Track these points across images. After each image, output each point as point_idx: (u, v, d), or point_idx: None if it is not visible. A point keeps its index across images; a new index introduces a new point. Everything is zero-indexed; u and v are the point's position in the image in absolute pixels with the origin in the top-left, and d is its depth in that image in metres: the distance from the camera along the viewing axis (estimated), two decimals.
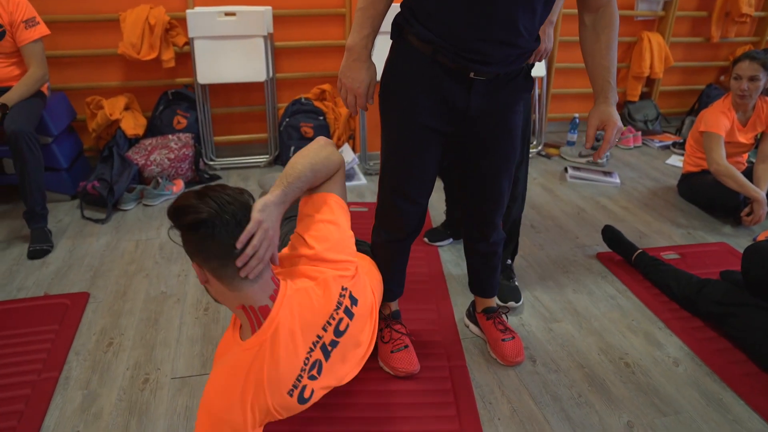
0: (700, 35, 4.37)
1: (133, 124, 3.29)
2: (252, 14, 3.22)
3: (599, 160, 3.69)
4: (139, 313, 2.12)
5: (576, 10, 1.56)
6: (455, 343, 1.97)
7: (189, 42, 3.24)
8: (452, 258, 2.53)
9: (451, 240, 2.65)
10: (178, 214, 1.17)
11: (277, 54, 3.51)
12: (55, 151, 2.89)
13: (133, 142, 3.30)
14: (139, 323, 2.06)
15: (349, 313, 1.43)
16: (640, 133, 4.15)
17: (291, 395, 1.33)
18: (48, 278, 2.33)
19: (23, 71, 2.67)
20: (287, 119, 3.51)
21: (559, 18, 3.53)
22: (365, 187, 3.30)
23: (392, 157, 1.63)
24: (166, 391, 1.75)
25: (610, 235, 2.57)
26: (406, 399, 1.72)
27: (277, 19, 3.40)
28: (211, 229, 1.16)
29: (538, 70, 3.60)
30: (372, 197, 3.14)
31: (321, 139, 1.55)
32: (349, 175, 3.39)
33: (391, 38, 1.53)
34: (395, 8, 1.52)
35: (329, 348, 1.40)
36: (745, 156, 3.11)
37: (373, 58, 1.53)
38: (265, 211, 1.26)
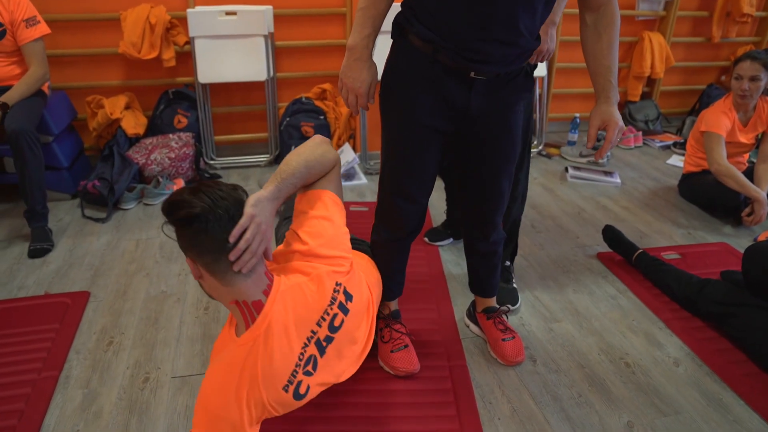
0: (701, 35, 4.36)
1: (133, 123, 3.29)
2: (252, 13, 3.22)
3: (600, 160, 3.69)
4: (139, 313, 2.12)
5: (577, 10, 1.56)
6: (455, 343, 1.97)
7: (190, 41, 3.24)
8: (452, 257, 2.53)
9: (451, 240, 2.65)
10: (171, 208, 1.19)
11: (277, 53, 3.51)
12: (56, 150, 2.89)
13: (133, 141, 3.30)
14: (139, 322, 2.06)
15: (344, 309, 1.43)
16: (640, 133, 4.15)
17: (286, 391, 1.33)
18: (48, 277, 2.33)
19: (24, 70, 2.67)
20: (288, 119, 3.51)
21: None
22: (366, 186, 3.30)
23: (392, 157, 1.63)
24: (166, 390, 1.75)
25: (610, 235, 2.57)
26: (407, 398, 1.72)
27: (277, 18, 3.40)
28: (204, 224, 1.17)
29: (539, 69, 3.60)
30: (372, 197, 3.14)
31: (317, 138, 1.55)
32: (350, 175, 3.39)
33: (392, 38, 1.53)
34: (396, 7, 1.52)
35: (324, 344, 1.40)
36: (746, 156, 3.11)
37: (374, 58, 1.53)
38: (257, 206, 1.27)
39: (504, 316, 1.99)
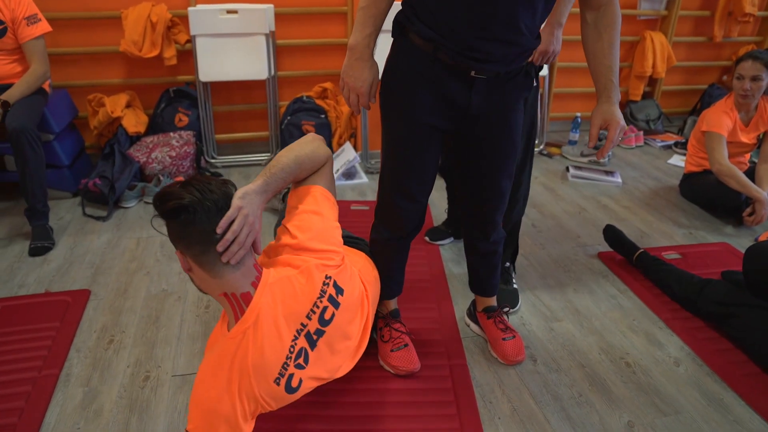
0: (702, 35, 4.36)
1: (134, 121, 3.29)
2: (254, 12, 3.21)
3: (601, 160, 3.69)
4: (140, 311, 2.12)
5: (578, 9, 1.56)
6: (456, 342, 1.97)
7: (191, 40, 3.24)
8: (453, 257, 2.53)
9: (452, 239, 2.65)
10: (161, 200, 1.22)
11: (278, 52, 3.50)
12: (57, 148, 2.89)
13: (134, 139, 3.30)
14: (140, 321, 2.06)
15: (335, 302, 1.44)
16: (642, 132, 4.15)
17: (278, 384, 1.33)
18: (49, 275, 2.33)
19: (25, 68, 2.67)
20: (289, 117, 3.50)
21: None
22: (367, 185, 3.30)
23: (392, 155, 1.63)
24: (166, 389, 1.75)
25: (611, 234, 2.57)
26: (407, 397, 1.72)
27: (278, 17, 3.39)
28: (192, 215, 1.20)
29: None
30: (373, 195, 3.14)
31: (309, 135, 1.57)
32: (351, 174, 3.39)
33: (393, 36, 1.53)
34: (397, 6, 1.52)
35: (315, 337, 1.40)
36: (747, 156, 3.10)
37: (376, 57, 1.53)
38: (245, 198, 1.29)
39: (504, 316, 1.99)
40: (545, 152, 3.88)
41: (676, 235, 2.79)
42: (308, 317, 1.38)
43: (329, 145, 3.54)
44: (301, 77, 3.63)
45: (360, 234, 2.03)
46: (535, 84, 1.98)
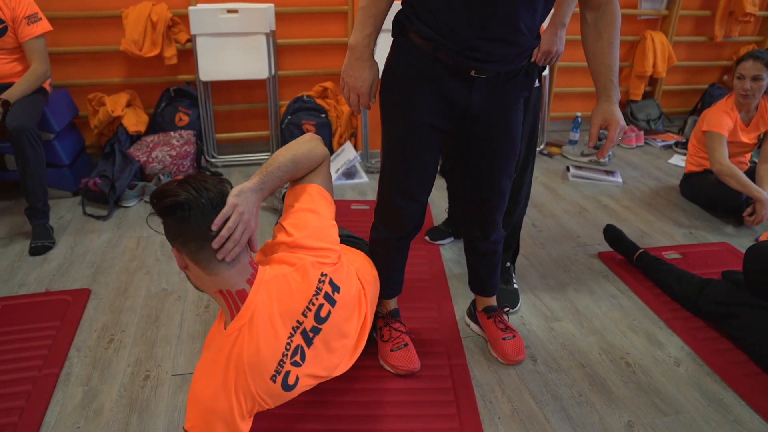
0: (703, 34, 4.36)
1: (135, 120, 3.29)
2: (254, 11, 3.21)
3: (602, 159, 3.69)
4: (140, 310, 2.12)
5: (578, 9, 1.56)
6: (456, 342, 1.97)
7: (191, 39, 3.24)
8: (453, 256, 2.53)
9: (452, 238, 2.65)
10: (157, 197, 1.23)
11: (279, 51, 3.50)
12: (57, 147, 2.89)
13: (134, 138, 3.30)
14: (140, 320, 2.07)
15: (331, 300, 1.44)
16: (642, 132, 4.14)
17: (274, 381, 1.33)
18: (49, 275, 2.33)
19: (25, 67, 2.67)
20: (289, 117, 3.50)
21: None
22: (367, 185, 3.30)
23: (392, 155, 1.63)
24: (166, 388, 1.75)
25: (611, 234, 2.56)
26: (407, 397, 1.72)
27: (279, 16, 3.39)
28: (188, 212, 1.21)
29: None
30: (374, 195, 3.14)
31: (307, 135, 1.58)
32: (351, 173, 3.39)
33: (392, 36, 1.53)
34: (397, 6, 1.52)
35: (311, 334, 1.40)
36: (748, 156, 3.10)
37: (376, 57, 1.53)
38: (240, 196, 1.30)
39: (504, 315, 1.99)
40: (546, 152, 3.88)
41: (677, 235, 2.79)
42: (304, 314, 1.38)
43: (330, 144, 3.54)
44: (302, 77, 3.63)
45: (360, 233, 2.03)
46: (537, 84, 1.98)
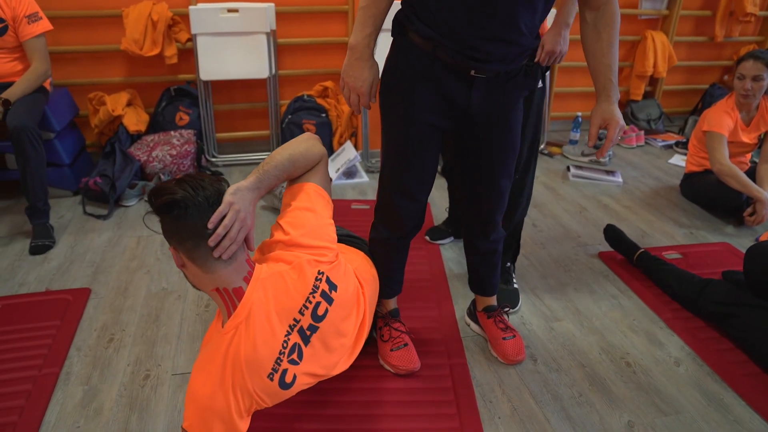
0: (704, 34, 4.35)
1: (135, 120, 3.29)
2: (254, 11, 3.21)
3: (602, 159, 3.69)
4: (140, 310, 2.12)
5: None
6: (456, 341, 1.97)
7: (192, 38, 3.24)
8: (454, 256, 2.53)
9: (452, 238, 2.64)
10: (154, 195, 1.24)
11: (279, 51, 3.50)
12: (58, 146, 2.89)
13: (135, 138, 3.30)
14: (140, 319, 2.07)
15: (328, 298, 1.44)
16: (642, 132, 4.14)
17: (271, 379, 1.33)
18: (49, 274, 2.33)
19: (26, 67, 2.67)
20: (289, 116, 3.50)
21: None
22: (367, 184, 3.30)
23: (392, 154, 1.63)
24: (166, 388, 1.75)
25: (612, 234, 2.56)
26: (406, 397, 1.72)
27: (279, 15, 3.39)
28: (184, 210, 1.22)
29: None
30: (374, 195, 3.14)
31: (305, 134, 1.59)
32: (351, 173, 3.39)
33: (392, 35, 1.53)
34: (397, 6, 1.52)
35: (308, 333, 1.40)
36: (749, 156, 3.10)
37: (376, 57, 1.53)
38: (237, 194, 1.31)
39: (504, 315, 1.99)
40: (546, 152, 3.88)
41: (677, 235, 2.79)
42: (301, 312, 1.39)
43: (330, 144, 3.54)
44: (302, 76, 3.63)
45: (360, 233, 2.03)
46: (541, 85, 1.98)
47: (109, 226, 2.73)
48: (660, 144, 4.10)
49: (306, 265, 1.41)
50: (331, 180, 3.10)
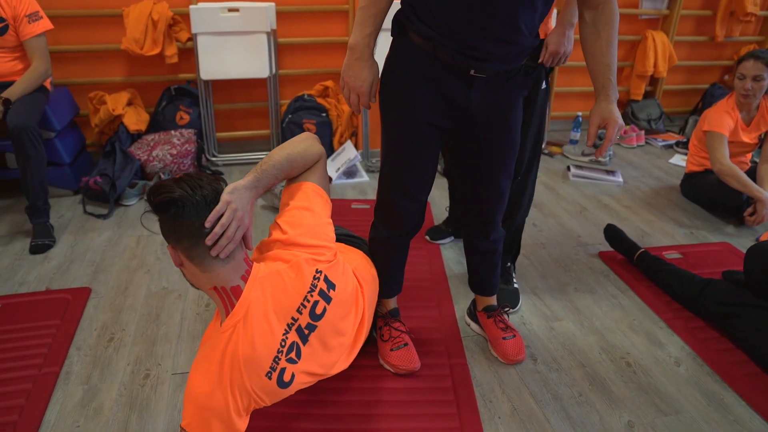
0: (704, 34, 4.35)
1: (135, 119, 3.29)
2: (255, 10, 3.21)
3: (602, 159, 3.69)
4: (140, 309, 2.12)
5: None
6: (456, 341, 1.97)
7: (192, 38, 3.24)
8: (454, 256, 2.53)
9: (452, 238, 2.64)
10: (153, 193, 1.25)
11: (280, 50, 3.50)
12: (58, 146, 2.89)
13: (135, 137, 3.30)
14: (140, 319, 2.07)
15: (326, 297, 1.44)
16: (643, 132, 4.14)
17: (269, 378, 1.33)
18: (50, 273, 2.33)
19: (26, 66, 2.67)
20: (290, 116, 3.50)
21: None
22: (368, 184, 3.30)
23: (392, 154, 1.63)
24: (166, 387, 1.75)
25: (612, 234, 2.56)
26: (406, 396, 1.72)
27: (280, 15, 3.39)
28: (181, 209, 1.23)
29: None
30: (374, 194, 3.14)
31: (304, 134, 1.59)
32: (352, 172, 3.39)
33: (392, 35, 1.53)
34: (396, 5, 1.52)
35: (306, 331, 1.40)
36: (749, 156, 3.10)
37: (376, 56, 1.53)
38: (234, 193, 1.31)
39: (505, 315, 1.99)
40: (546, 151, 3.88)
41: (677, 235, 2.79)
42: (299, 311, 1.39)
43: (330, 143, 3.54)
44: (303, 75, 3.62)
45: (361, 233, 2.03)
46: (544, 86, 1.97)
47: (110, 225, 2.73)
48: (660, 144, 4.10)
49: (304, 264, 1.41)
50: (330, 179, 3.11)
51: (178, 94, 3.44)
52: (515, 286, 2.25)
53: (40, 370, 1.79)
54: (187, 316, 2.08)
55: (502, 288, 2.19)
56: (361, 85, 1.51)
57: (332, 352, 1.48)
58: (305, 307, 1.40)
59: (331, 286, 1.45)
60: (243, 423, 1.33)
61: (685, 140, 4.04)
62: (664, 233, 2.80)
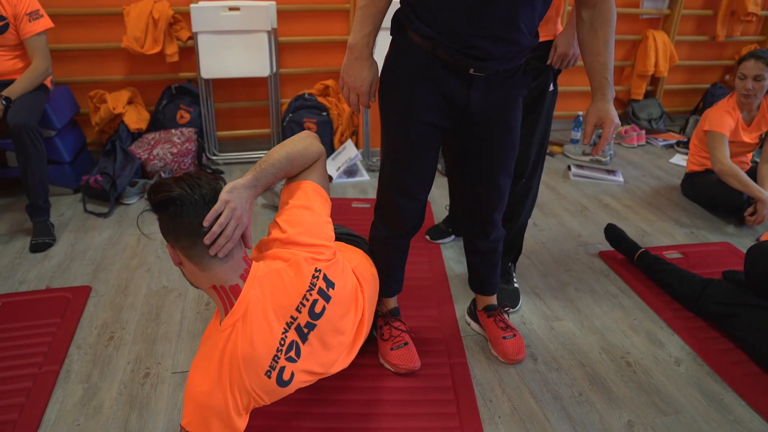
0: (705, 34, 4.35)
1: (136, 118, 3.29)
2: (256, 9, 3.21)
3: (602, 158, 3.69)
4: (140, 308, 2.12)
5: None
6: (456, 341, 1.97)
7: (193, 36, 3.24)
8: (454, 255, 2.52)
9: (452, 237, 2.64)
10: (152, 192, 1.26)
11: (280, 49, 3.50)
12: (58, 144, 2.89)
13: (136, 136, 3.31)
14: (140, 317, 2.07)
15: (325, 296, 1.44)
16: (644, 131, 4.14)
17: (269, 377, 1.33)
18: (50, 272, 2.33)
19: (27, 64, 2.67)
20: (290, 115, 3.50)
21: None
22: (368, 183, 3.30)
23: (392, 153, 1.62)
24: (166, 386, 1.75)
25: (612, 233, 2.56)
26: (406, 396, 1.72)
27: (280, 14, 3.39)
28: (180, 208, 1.23)
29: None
30: (375, 194, 3.14)
31: (303, 132, 1.59)
32: (352, 171, 3.39)
33: (391, 34, 1.53)
34: (396, 5, 1.52)
35: (305, 330, 1.40)
36: (750, 156, 3.10)
37: (375, 56, 1.53)
38: (233, 192, 1.31)
39: (505, 314, 1.99)
40: (547, 151, 3.87)
41: (678, 235, 2.79)
42: (298, 310, 1.39)
43: (331, 142, 3.54)
44: (303, 74, 3.62)
45: (361, 232, 2.03)
46: (552, 88, 1.97)
47: (110, 224, 2.73)
48: (661, 143, 4.10)
49: (303, 263, 1.41)
50: (331, 178, 3.11)
51: (178, 92, 3.44)
52: (515, 285, 2.25)
53: (41, 368, 1.79)
54: (187, 315, 2.08)
55: (503, 287, 2.19)
56: (361, 84, 1.51)
57: (332, 351, 1.48)
58: (304, 305, 1.40)
59: (330, 284, 1.45)
60: (243, 422, 1.33)
61: (685, 140, 4.04)
62: (665, 233, 2.80)
